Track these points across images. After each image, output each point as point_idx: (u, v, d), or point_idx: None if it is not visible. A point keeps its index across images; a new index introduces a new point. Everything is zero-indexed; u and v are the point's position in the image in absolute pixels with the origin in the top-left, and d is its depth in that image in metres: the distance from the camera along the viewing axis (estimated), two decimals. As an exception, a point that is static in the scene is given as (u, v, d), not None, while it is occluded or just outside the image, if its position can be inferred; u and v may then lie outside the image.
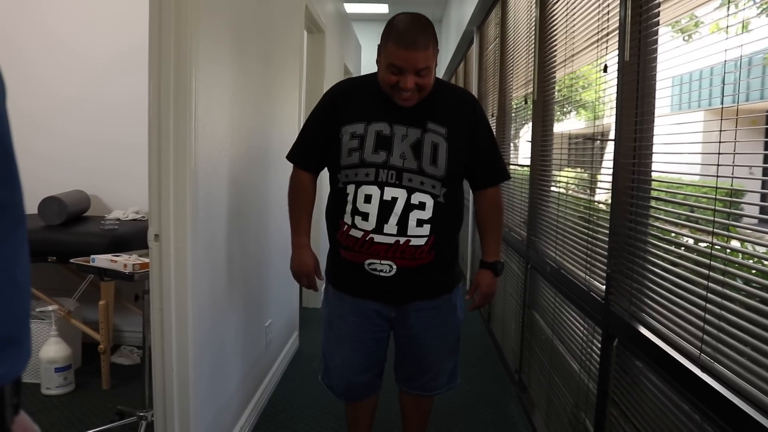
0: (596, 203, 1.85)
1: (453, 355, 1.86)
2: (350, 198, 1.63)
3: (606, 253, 1.63)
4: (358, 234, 1.62)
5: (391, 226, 1.59)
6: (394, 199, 1.59)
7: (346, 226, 1.64)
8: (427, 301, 1.73)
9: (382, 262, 1.62)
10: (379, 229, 1.60)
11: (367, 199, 1.60)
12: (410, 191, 1.60)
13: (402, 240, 1.60)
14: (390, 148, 1.61)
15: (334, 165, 1.69)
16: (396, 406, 2.03)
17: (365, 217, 1.61)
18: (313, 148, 1.76)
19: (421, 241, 1.61)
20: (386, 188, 1.60)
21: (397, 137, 1.62)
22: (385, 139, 1.62)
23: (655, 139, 1.44)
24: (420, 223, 1.60)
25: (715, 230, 1.13)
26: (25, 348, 0.64)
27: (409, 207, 1.60)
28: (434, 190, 1.61)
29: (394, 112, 1.64)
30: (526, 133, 2.98)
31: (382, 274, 1.63)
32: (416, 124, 1.63)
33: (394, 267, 1.62)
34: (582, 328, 1.85)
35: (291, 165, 1.83)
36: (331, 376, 1.85)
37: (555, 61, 2.38)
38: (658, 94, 1.43)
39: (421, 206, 1.60)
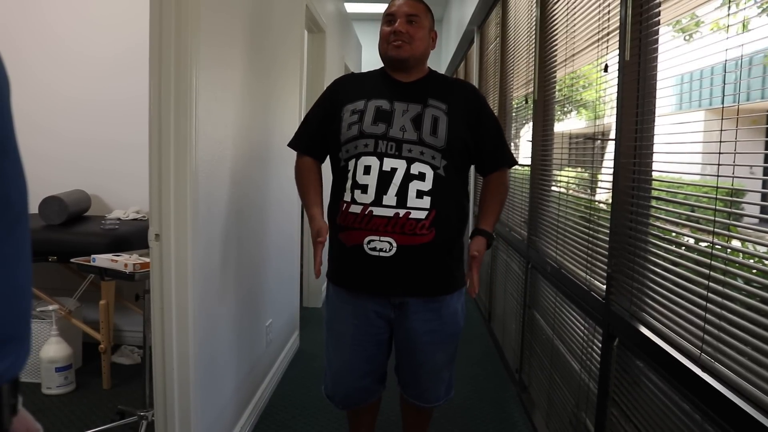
0: (597, 203, 1.85)
1: (450, 366, 1.83)
2: (350, 173, 1.63)
3: (606, 253, 1.63)
4: (358, 209, 1.60)
5: (390, 197, 1.58)
6: (393, 170, 1.59)
7: (345, 205, 1.63)
8: (427, 300, 1.69)
9: (382, 239, 1.59)
10: (378, 201, 1.58)
11: (366, 170, 1.60)
12: (410, 161, 1.60)
13: (402, 212, 1.58)
14: (390, 121, 1.63)
15: (335, 144, 1.69)
16: (397, 405, 2.03)
17: (364, 189, 1.60)
18: (314, 134, 1.78)
19: (422, 215, 1.59)
20: (385, 159, 1.60)
21: (398, 112, 1.65)
22: (384, 113, 1.65)
23: (656, 139, 1.44)
24: (420, 194, 1.59)
25: (715, 230, 1.13)
26: (25, 346, 0.64)
27: (408, 177, 1.59)
28: (434, 161, 1.61)
29: (394, 92, 1.69)
30: (526, 132, 2.98)
31: (382, 254, 1.60)
32: (417, 100, 1.67)
33: (394, 245, 1.59)
34: (582, 328, 1.85)
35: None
36: (332, 383, 1.82)
37: (555, 61, 2.38)
38: (658, 93, 1.43)
39: (421, 177, 1.60)
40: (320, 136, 1.76)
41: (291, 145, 1.84)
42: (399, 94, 1.68)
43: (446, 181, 1.62)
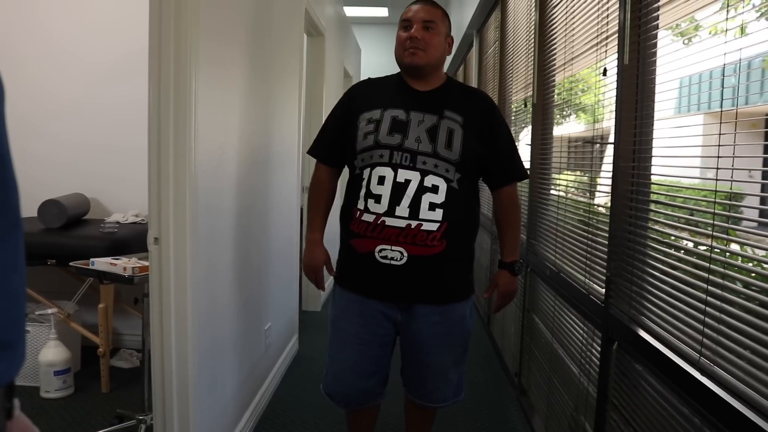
0: (596, 206, 1.85)
1: (458, 367, 1.82)
2: (364, 182, 1.65)
3: (605, 257, 1.63)
4: (370, 218, 1.62)
5: (403, 209, 1.59)
6: (407, 181, 1.60)
7: (358, 212, 1.65)
8: (435, 306, 1.70)
9: (393, 248, 1.61)
10: (391, 212, 1.60)
11: (381, 180, 1.62)
12: (424, 174, 1.61)
13: (414, 224, 1.59)
14: (405, 132, 1.64)
15: (351, 152, 1.71)
16: (398, 409, 2.03)
17: (378, 199, 1.61)
18: (333, 142, 1.79)
19: (433, 227, 1.60)
20: (400, 170, 1.61)
21: (414, 122, 1.65)
22: (400, 124, 1.66)
23: (655, 143, 1.44)
24: (432, 206, 1.60)
25: (714, 233, 1.13)
26: (19, 352, 0.63)
27: (421, 189, 1.60)
28: (448, 174, 1.62)
29: (411, 101, 1.70)
30: (525, 136, 2.98)
31: (393, 262, 1.62)
32: (433, 111, 1.67)
33: (405, 254, 1.60)
34: (582, 332, 1.85)
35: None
36: (333, 382, 1.81)
37: (554, 65, 2.39)
38: (657, 97, 1.43)
39: (434, 189, 1.61)
40: (338, 144, 1.77)
41: (310, 152, 1.86)
42: (415, 104, 1.68)
43: (459, 194, 1.64)
